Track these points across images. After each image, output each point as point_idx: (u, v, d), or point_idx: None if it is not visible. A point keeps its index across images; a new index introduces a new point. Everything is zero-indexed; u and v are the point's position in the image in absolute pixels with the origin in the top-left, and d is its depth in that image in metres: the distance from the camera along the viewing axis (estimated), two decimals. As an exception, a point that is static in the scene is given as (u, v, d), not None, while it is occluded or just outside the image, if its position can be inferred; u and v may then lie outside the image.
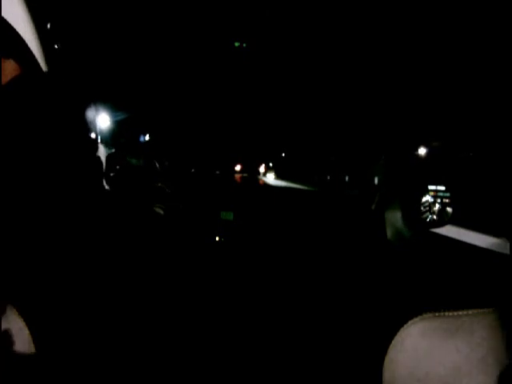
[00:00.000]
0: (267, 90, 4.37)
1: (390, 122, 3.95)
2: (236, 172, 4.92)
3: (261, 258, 2.89)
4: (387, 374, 0.81)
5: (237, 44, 3.51)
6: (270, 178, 6.17)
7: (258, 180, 5.68)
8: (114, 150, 3.00)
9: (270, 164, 6.23)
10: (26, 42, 1.25)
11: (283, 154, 6.43)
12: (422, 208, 3.18)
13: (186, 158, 4.15)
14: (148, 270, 2.53)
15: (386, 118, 4.02)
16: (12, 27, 1.18)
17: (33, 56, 1.30)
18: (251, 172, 5.26)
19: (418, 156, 3.79)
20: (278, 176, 6.24)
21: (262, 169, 5.88)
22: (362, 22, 3.46)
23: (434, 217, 3.21)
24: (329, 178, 6.39)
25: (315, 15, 3.33)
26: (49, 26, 1.44)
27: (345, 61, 3.86)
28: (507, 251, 2.68)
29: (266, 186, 5.52)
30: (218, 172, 4.60)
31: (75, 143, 1.75)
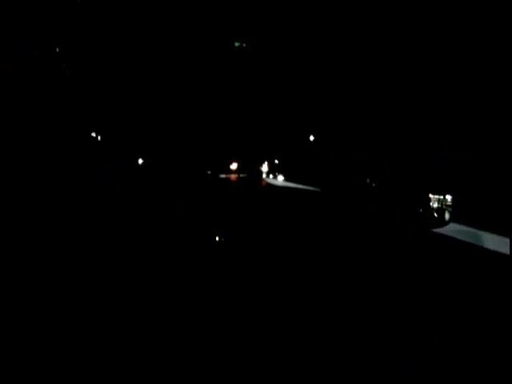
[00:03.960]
0: (271, 79, 4.09)
1: (392, 124, 3.92)
2: (231, 171, 4.11)
3: (260, 258, 2.90)
4: None
5: (237, 44, 3.50)
6: (279, 180, 4.88)
7: (260, 182, 4.54)
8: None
9: (276, 161, 4.81)
10: (25, 40, 1.29)
11: (306, 142, 5.00)
12: (423, 208, 3.17)
13: (181, 155, 3.90)
14: (148, 268, 2.57)
15: (388, 122, 3.98)
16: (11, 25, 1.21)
17: (31, 53, 1.33)
18: (251, 171, 4.32)
19: (419, 159, 3.75)
20: (289, 178, 4.88)
21: (265, 167, 4.64)
22: (365, 22, 3.43)
23: (435, 215, 3.19)
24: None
25: (315, 15, 3.31)
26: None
27: (352, 61, 3.83)
28: (507, 251, 2.66)
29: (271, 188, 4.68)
30: (209, 172, 3.96)
31: (75, 139, 1.79)
